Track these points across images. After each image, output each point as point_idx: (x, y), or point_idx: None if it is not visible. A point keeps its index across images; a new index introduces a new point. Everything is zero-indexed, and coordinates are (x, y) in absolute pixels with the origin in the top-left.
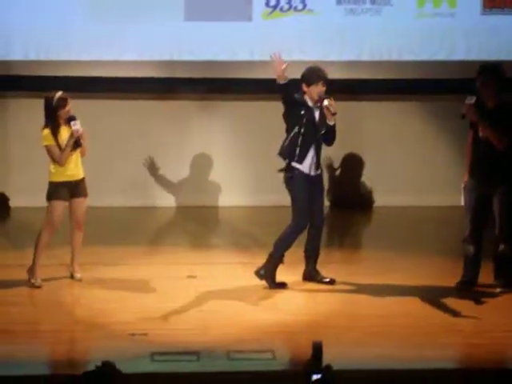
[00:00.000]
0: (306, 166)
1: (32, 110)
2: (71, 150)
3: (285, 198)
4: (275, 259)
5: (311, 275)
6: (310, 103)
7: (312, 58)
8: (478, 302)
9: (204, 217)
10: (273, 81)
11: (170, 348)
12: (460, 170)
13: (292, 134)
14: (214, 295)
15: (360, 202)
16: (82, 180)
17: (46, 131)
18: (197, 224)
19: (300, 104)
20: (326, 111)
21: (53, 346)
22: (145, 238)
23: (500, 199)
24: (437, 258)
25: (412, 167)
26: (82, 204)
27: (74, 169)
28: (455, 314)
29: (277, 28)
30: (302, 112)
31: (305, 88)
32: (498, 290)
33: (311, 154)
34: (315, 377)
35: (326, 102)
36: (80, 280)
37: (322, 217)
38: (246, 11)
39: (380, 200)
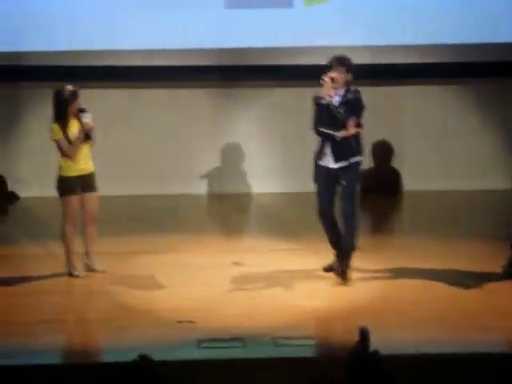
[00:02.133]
0: (325, 159)
1: None
2: (81, 143)
3: None
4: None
5: (333, 266)
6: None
7: (354, 44)
8: None
9: (241, 204)
10: (312, 67)
11: (216, 335)
12: (503, 154)
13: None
14: (259, 282)
15: (393, 186)
16: (92, 174)
17: (55, 125)
18: (235, 211)
19: (323, 107)
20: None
21: (102, 334)
22: (185, 226)
23: None
24: (478, 243)
25: (451, 151)
26: (93, 198)
27: (85, 163)
28: (503, 297)
29: (318, 14)
30: (320, 106)
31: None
32: None
33: (329, 147)
34: (363, 362)
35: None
36: (102, 271)
37: (346, 207)
38: None
39: (416, 185)
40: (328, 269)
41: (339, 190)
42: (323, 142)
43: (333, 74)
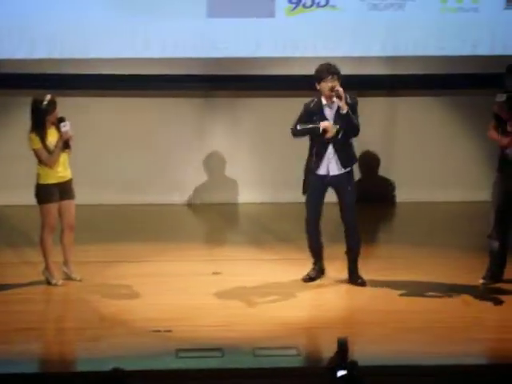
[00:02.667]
0: (322, 167)
1: None
2: (60, 152)
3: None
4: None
5: (348, 275)
6: (324, 102)
7: (335, 54)
8: (502, 297)
9: (224, 214)
10: (294, 77)
11: (194, 345)
12: (482, 166)
13: (310, 144)
14: (238, 292)
15: (381, 197)
16: (70, 181)
17: (33, 135)
18: (217, 221)
19: (313, 114)
20: (336, 100)
21: (79, 343)
22: (167, 235)
23: None
24: (461, 254)
25: (434, 162)
26: (71, 206)
27: (63, 171)
28: (482, 309)
29: (300, 24)
30: (315, 120)
31: (317, 86)
32: None
33: (326, 155)
34: (340, 373)
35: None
36: (80, 280)
37: (350, 214)
38: (269, 7)
39: (403, 196)
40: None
41: (339, 197)
42: (318, 149)
43: (339, 88)
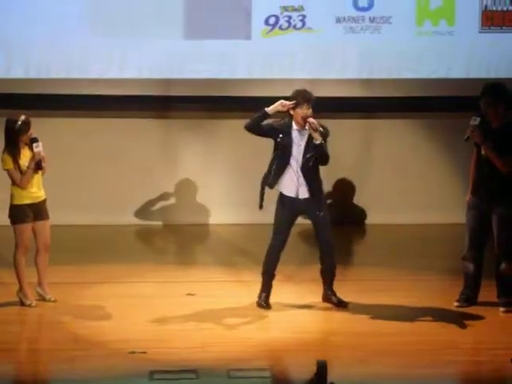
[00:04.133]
0: (290, 190)
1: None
2: (33, 173)
3: None
4: (262, 276)
5: (326, 297)
6: (295, 127)
7: (312, 76)
8: (477, 319)
9: (198, 235)
10: (270, 99)
11: (169, 366)
12: (457, 188)
13: (270, 160)
14: (212, 313)
15: (352, 219)
16: (44, 201)
17: (6, 155)
18: (192, 242)
19: (278, 130)
20: (310, 130)
21: (53, 364)
22: (140, 257)
23: (498, 219)
24: (435, 276)
25: (409, 184)
26: (46, 226)
27: (37, 191)
28: (456, 331)
29: (276, 46)
30: (279, 139)
31: (291, 111)
32: (502, 309)
33: (293, 177)
34: None
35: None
36: (54, 301)
37: (329, 234)
38: (245, 29)
39: (374, 218)
40: (324, 299)
41: (312, 221)
42: (280, 168)
43: (314, 120)
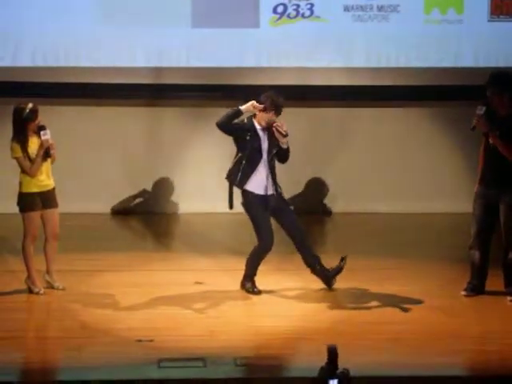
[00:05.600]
0: (259, 187)
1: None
2: (42, 161)
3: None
4: (249, 276)
5: (325, 282)
6: (257, 127)
7: (319, 65)
8: (484, 308)
9: (205, 223)
10: (278, 87)
11: (176, 354)
12: (465, 177)
13: (237, 159)
14: (220, 302)
15: (359, 208)
16: (53, 190)
17: (15, 143)
18: (199, 231)
19: (245, 129)
20: (277, 135)
21: (61, 352)
22: (148, 245)
23: (505, 208)
24: (442, 266)
25: (416, 174)
26: (55, 214)
27: (46, 179)
28: (464, 320)
29: (284, 35)
30: (248, 137)
31: (257, 112)
32: (509, 298)
33: (263, 174)
34: (332, 382)
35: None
36: (63, 289)
37: (300, 228)
38: (253, 18)
39: (381, 207)
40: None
41: (281, 217)
42: (251, 167)
43: (284, 126)
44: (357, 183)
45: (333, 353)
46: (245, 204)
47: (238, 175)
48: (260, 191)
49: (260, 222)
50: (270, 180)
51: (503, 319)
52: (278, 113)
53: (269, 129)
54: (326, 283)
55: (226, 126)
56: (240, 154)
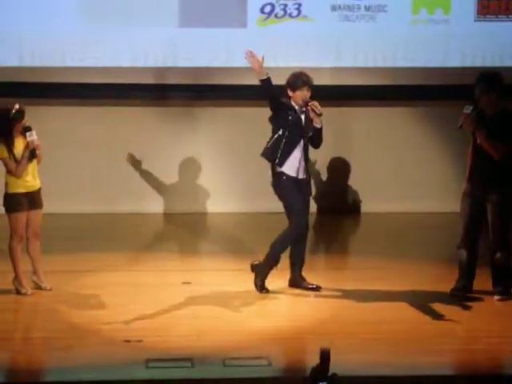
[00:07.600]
0: (293, 170)
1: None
2: (27, 161)
3: (275, 205)
4: (271, 261)
5: (296, 282)
6: (296, 106)
7: (307, 65)
8: (472, 308)
9: (195, 223)
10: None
11: (164, 355)
12: (452, 176)
13: (276, 136)
14: (208, 302)
15: (347, 207)
16: (39, 191)
17: (0, 144)
18: (188, 231)
19: (287, 108)
20: (311, 114)
21: (47, 353)
22: (137, 245)
23: (493, 207)
24: (430, 265)
25: (404, 173)
26: (39, 215)
27: (32, 180)
28: (449, 319)
29: (272, 34)
30: (290, 117)
31: (290, 93)
32: (497, 297)
33: (297, 157)
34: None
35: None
36: (50, 289)
37: (307, 223)
38: (240, 17)
39: (369, 206)
40: (293, 284)
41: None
42: (291, 147)
43: (318, 105)
44: (344, 184)
45: (325, 356)
46: (277, 185)
47: (277, 154)
48: (293, 173)
49: (293, 203)
50: (303, 164)
51: (491, 318)
52: (310, 88)
53: (304, 110)
54: (301, 283)
55: (273, 97)
56: (280, 133)
